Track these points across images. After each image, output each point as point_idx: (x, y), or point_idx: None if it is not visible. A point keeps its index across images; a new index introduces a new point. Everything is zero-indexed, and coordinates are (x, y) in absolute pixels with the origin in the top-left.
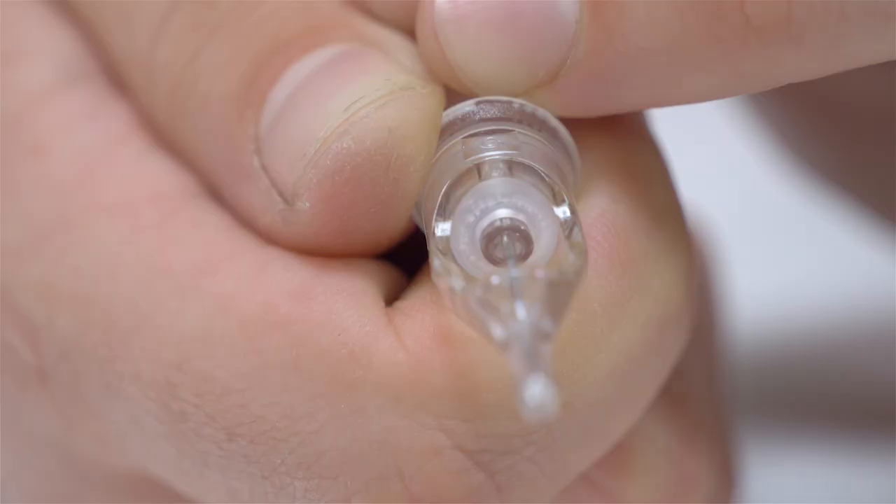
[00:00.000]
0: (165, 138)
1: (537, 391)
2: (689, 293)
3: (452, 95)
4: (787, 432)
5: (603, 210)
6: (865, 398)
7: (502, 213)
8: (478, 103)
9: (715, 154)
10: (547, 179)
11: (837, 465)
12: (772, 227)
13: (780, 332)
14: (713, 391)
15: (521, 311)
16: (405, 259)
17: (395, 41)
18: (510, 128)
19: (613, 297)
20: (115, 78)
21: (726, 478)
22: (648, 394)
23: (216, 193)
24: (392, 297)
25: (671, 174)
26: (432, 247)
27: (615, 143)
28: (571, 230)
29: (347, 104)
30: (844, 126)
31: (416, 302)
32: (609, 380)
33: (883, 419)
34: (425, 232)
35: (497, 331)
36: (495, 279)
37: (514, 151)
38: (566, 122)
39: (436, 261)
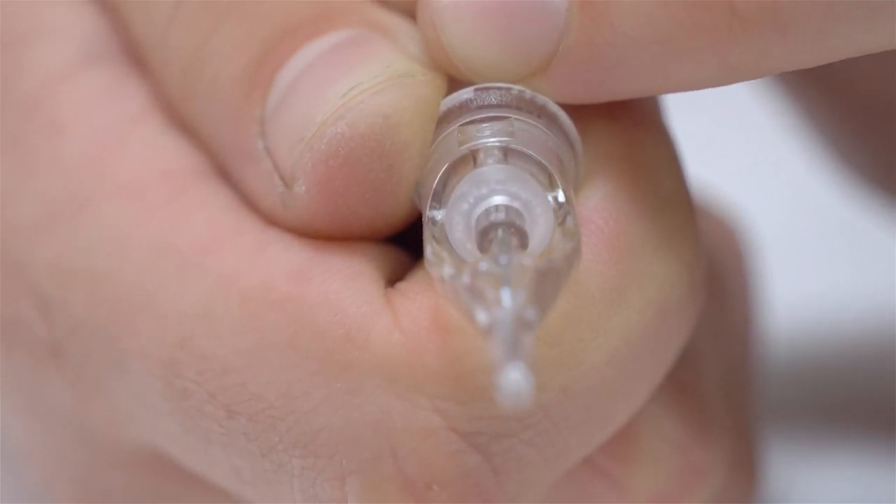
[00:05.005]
0: (178, 118)
1: (514, 378)
2: (692, 282)
3: (456, 83)
4: (823, 437)
5: (605, 195)
6: None
7: (497, 200)
8: (476, 90)
9: (759, 154)
10: (542, 166)
11: (872, 471)
12: (814, 230)
13: (817, 336)
14: (732, 384)
15: (506, 298)
16: (414, 242)
17: (403, 28)
18: (507, 115)
19: (612, 282)
20: (135, 57)
21: (742, 472)
22: (650, 380)
23: (224, 174)
24: (395, 279)
25: (679, 163)
26: (426, 234)
27: (621, 130)
28: (565, 217)
29: (346, 90)
30: (889, 127)
31: (415, 284)
32: (608, 364)
33: None
34: (422, 219)
35: (481, 317)
36: (483, 265)
37: (509, 138)
38: (570, 109)
39: (428, 248)
